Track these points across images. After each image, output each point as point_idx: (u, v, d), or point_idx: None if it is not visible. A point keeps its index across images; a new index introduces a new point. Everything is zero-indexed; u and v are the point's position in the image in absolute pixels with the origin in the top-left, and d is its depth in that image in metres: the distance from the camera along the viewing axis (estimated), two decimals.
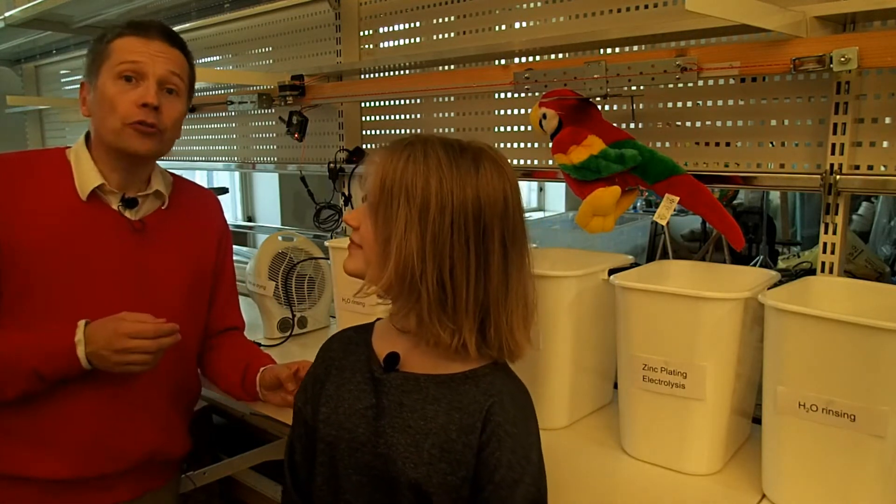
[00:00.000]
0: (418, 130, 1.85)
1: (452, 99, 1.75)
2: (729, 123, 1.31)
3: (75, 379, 1.15)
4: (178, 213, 1.32)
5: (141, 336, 1.12)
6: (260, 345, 1.64)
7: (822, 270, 1.21)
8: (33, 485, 1.17)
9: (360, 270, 0.91)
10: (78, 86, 1.26)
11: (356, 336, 1.00)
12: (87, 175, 1.21)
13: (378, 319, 1.01)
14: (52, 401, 1.16)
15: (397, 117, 1.91)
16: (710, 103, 1.33)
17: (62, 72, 3.27)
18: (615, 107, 1.44)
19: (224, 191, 3.47)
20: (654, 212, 1.25)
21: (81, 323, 1.13)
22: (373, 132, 1.99)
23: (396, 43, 1.87)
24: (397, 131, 1.92)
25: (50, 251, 1.17)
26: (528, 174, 1.63)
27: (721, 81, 1.30)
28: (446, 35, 1.73)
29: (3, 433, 1.17)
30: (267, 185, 3.83)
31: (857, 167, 1.17)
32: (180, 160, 2.70)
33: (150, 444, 1.26)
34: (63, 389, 1.16)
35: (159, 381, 1.25)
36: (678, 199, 1.23)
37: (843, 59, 1.03)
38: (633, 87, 1.28)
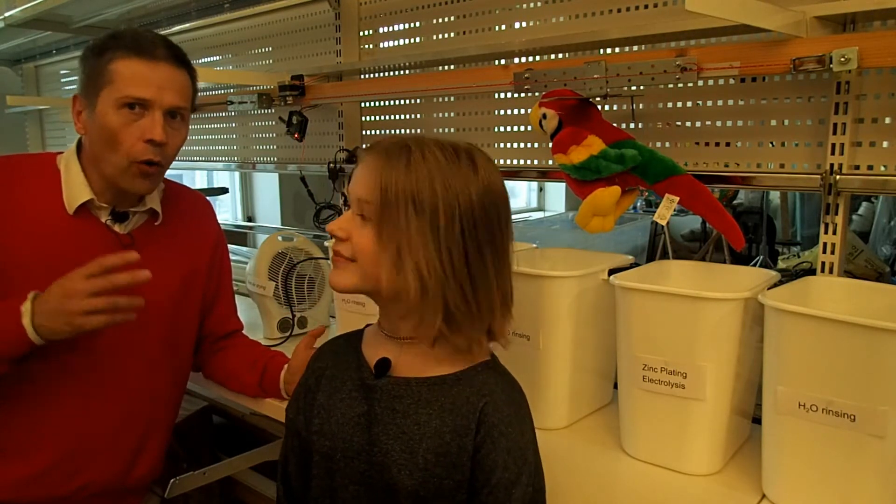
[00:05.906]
0: (418, 130, 1.85)
1: (452, 99, 1.75)
2: (729, 123, 1.31)
3: (44, 395, 1.10)
4: (169, 225, 1.28)
5: (91, 275, 1.00)
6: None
7: (822, 270, 1.21)
8: None
9: (355, 286, 0.86)
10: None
11: (346, 343, 0.99)
12: (75, 189, 1.16)
13: (368, 325, 1.00)
14: (22, 412, 1.12)
15: (397, 117, 1.91)
16: (710, 103, 1.32)
17: (62, 72, 3.27)
18: (615, 107, 1.44)
19: (224, 191, 3.47)
20: (654, 212, 1.25)
21: (31, 294, 1.04)
22: (373, 132, 1.99)
23: (396, 43, 1.87)
24: (397, 131, 1.92)
25: (32, 265, 1.11)
26: (528, 174, 1.63)
27: (721, 81, 1.30)
28: (446, 35, 1.73)
29: None
30: (267, 185, 3.82)
31: (857, 167, 1.17)
32: (180, 160, 2.67)
33: (113, 471, 1.22)
34: (33, 407, 1.12)
35: (133, 410, 1.23)
36: (678, 199, 1.23)
37: (843, 59, 1.03)
38: (633, 87, 1.28)
